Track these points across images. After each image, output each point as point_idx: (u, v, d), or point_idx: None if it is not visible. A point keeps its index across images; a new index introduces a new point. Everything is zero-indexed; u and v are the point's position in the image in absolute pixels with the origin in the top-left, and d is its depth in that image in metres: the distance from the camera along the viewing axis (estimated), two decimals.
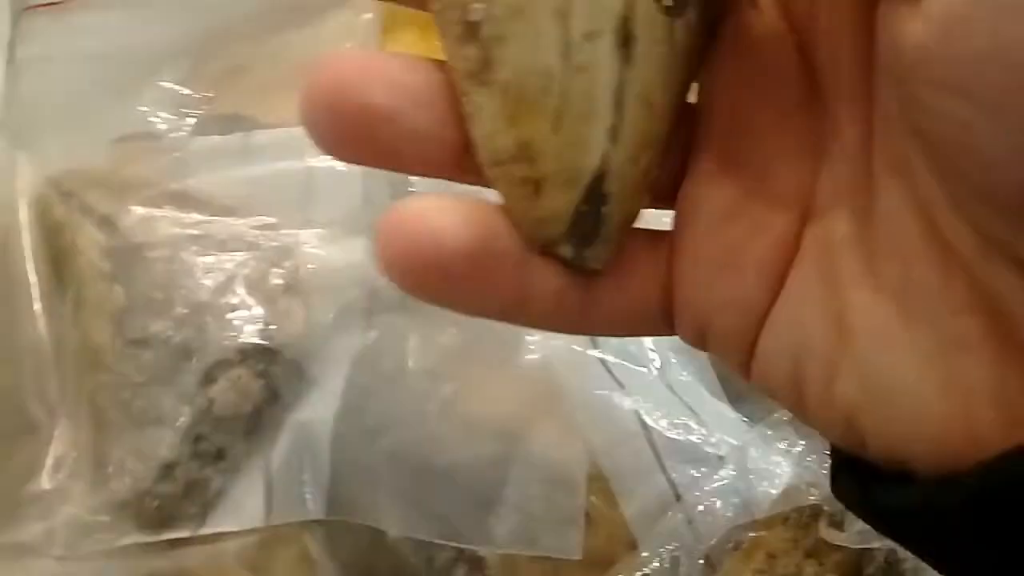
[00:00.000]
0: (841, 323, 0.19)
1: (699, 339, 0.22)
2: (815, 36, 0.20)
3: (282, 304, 0.36)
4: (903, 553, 0.39)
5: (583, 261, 0.21)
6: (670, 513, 0.39)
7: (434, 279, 0.19)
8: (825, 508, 0.39)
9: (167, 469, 0.34)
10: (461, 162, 0.20)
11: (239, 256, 0.36)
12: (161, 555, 0.32)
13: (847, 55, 0.19)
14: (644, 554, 0.38)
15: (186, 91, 0.41)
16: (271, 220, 0.38)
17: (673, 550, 0.38)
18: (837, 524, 0.38)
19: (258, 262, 0.36)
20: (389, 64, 0.19)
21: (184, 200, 0.37)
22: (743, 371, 0.21)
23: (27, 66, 0.42)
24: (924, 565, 0.19)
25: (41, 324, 0.36)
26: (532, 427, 0.37)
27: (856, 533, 0.38)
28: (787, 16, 0.21)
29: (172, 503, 0.33)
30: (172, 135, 0.40)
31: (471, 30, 0.19)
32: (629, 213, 0.21)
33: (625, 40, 0.19)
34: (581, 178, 0.20)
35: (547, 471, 0.36)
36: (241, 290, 0.36)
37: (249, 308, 0.35)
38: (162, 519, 0.33)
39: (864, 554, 0.38)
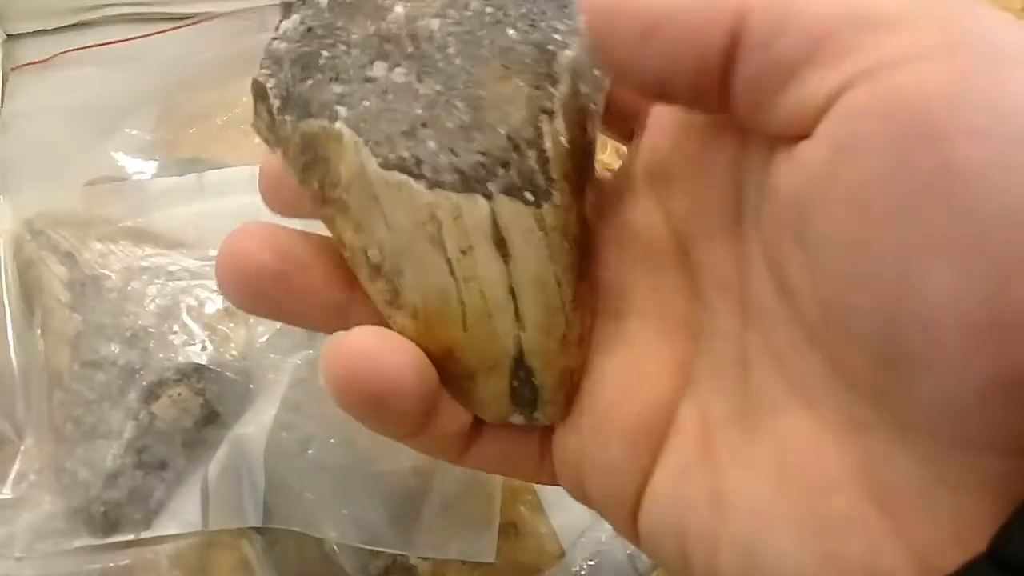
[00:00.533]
0: (720, 499, 0.20)
1: (581, 496, 0.23)
2: (694, 232, 0.22)
3: (222, 328, 0.39)
4: None
5: (536, 423, 0.23)
6: (598, 522, 0.41)
7: (375, 409, 0.21)
8: None
9: (112, 478, 0.37)
10: (343, 316, 0.23)
11: (183, 284, 0.39)
12: (105, 555, 0.35)
13: (723, 252, 0.21)
14: (569, 563, 0.40)
15: (150, 137, 0.45)
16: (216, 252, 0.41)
17: (599, 559, 0.40)
18: None
19: (202, 290, 0.40)
20: (280, 234, 0.23)
21: (139, 235, 0.41)
22: (630, 537, 0.22)
23: (13, 120, 0.46)
24: None
25: (12, 351, 0.40)
26: None
27: None
28: (665, 211, 0.22)
29: (117, 509, 0.37)
30: (136, 177, 0.44)
31: (376, 269, 0.22)
32: (562, 373, 0.23)
33: (500, 241, 0.21)
34: (504, 363, 0.22)
35: (466, 480, 0.38)
36: (184, 315, 0.39)
37: (191, 332, 0.39)
38: (108, 524, 0.37)
39: None
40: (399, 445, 0.23)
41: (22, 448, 0.39)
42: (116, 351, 0.38)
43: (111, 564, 0.35)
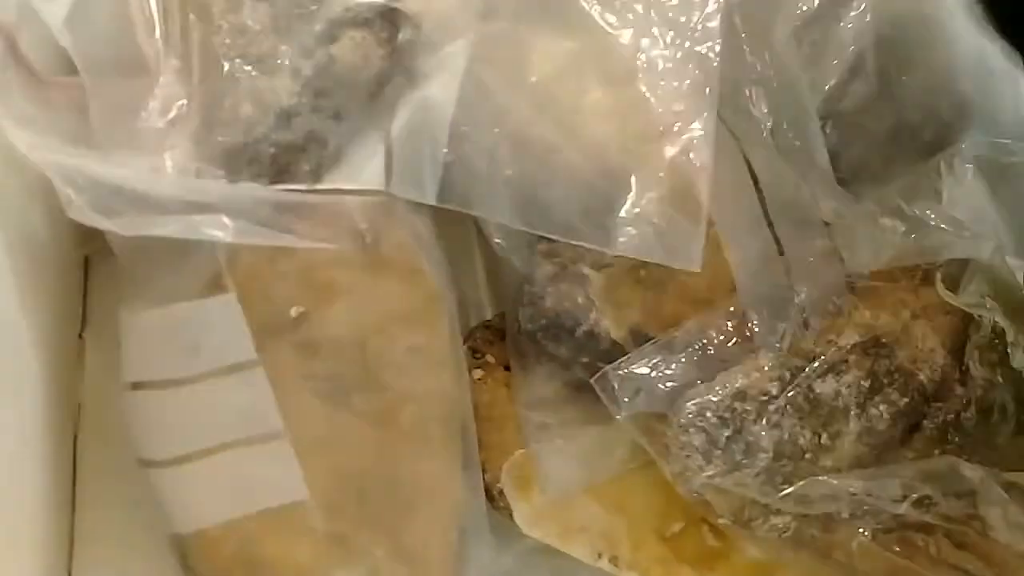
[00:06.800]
0: None
1: None
2: None
3: None
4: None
5: None
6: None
7: None
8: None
9: (286, 117, 0.31)
10: None
11: None
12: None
13: None
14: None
15: None
16: None
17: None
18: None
19: None
20: None
21: None
22: None
23: None
24: None
25: None
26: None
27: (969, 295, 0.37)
28: None
29: (289, 153, 0.31)
30: None
31: None
32: None
33: None
34: None
35: (671, 186, 0.34)
36: None
37: None
38: (278, 169, 0.31)
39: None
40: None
41: (160, 80, 0.33)
42: None
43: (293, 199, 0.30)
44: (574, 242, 0.33)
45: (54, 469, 0.33)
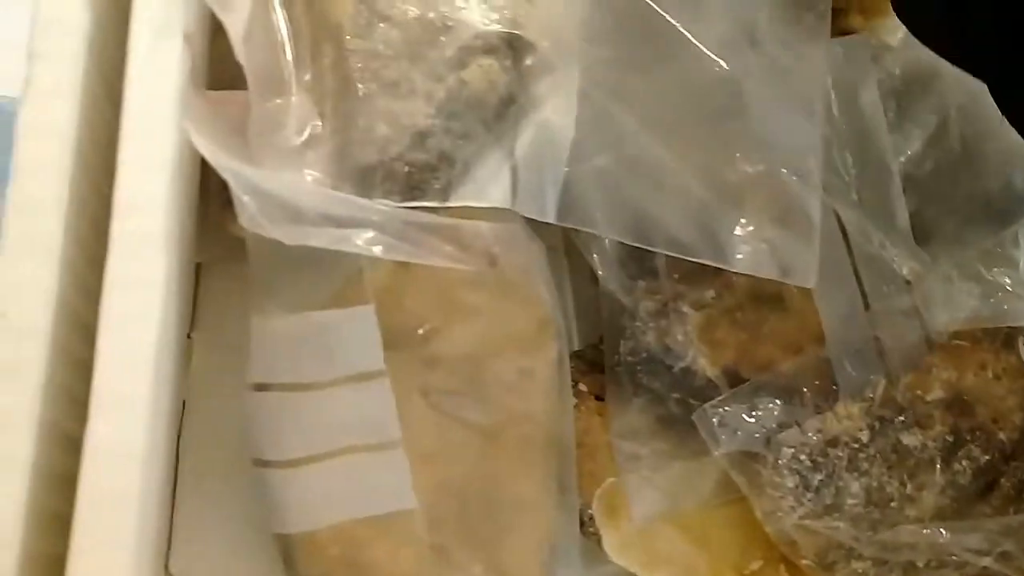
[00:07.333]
0: None
1: None
2: None
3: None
4: None
5: None
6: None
7: None
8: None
9: (420, 138, 0.33)
10: None
11: None
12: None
13: None
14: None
15: None
16: None
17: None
18: None
19: None
20: None
21: None
22: None
23: None
24: None
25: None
26: None
27: None
28: None
29: (423, 172, 0.32)
30: None
31: None
32: None
33: None
34: None
35: (784, 206, 0.35)
36: None
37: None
38: (411, 186, 0.32)
39: None
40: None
41: (293, 100, 0.34)
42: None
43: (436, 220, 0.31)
44: (691, 259, 0.34)
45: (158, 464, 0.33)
